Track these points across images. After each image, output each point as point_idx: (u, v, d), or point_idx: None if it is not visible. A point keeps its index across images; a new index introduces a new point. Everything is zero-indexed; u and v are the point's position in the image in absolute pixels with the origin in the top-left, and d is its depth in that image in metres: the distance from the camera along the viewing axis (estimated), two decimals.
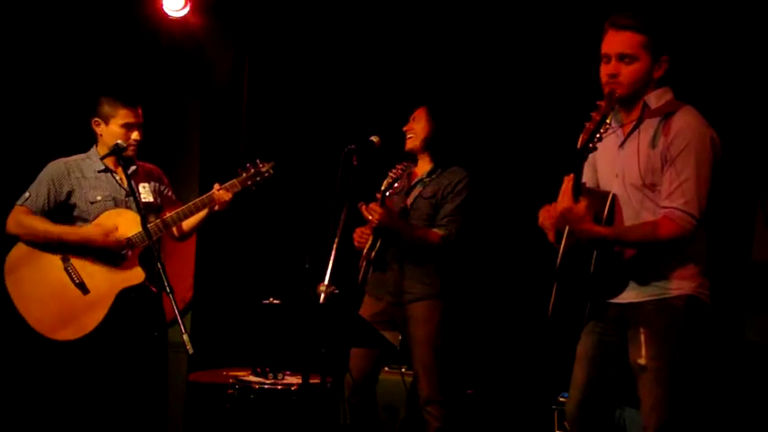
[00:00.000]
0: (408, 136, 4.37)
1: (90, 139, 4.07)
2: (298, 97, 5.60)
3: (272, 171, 4.12)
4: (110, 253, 3.86)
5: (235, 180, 4.05)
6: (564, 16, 4.88)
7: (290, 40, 5.55)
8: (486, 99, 5.23)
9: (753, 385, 4.30)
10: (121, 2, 5.28)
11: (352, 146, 3.96)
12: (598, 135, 2.79)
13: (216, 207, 4.01)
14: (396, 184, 4.24)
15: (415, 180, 4.38)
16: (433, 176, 4.34)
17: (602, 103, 2.85)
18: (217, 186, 4.00)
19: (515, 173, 5.11)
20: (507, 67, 5.14)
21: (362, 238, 4.31)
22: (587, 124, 2.81)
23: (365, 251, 4.26)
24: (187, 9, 5.24)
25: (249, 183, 4.08)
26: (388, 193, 4.20)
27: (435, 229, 4.26)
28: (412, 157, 4.44)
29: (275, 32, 5.58)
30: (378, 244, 4.22)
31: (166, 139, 5.22)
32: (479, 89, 5.23)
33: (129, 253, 3.87)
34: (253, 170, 4.09)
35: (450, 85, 5.20)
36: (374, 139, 4.17)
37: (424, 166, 4.38)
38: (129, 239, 3.86)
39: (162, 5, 5.22)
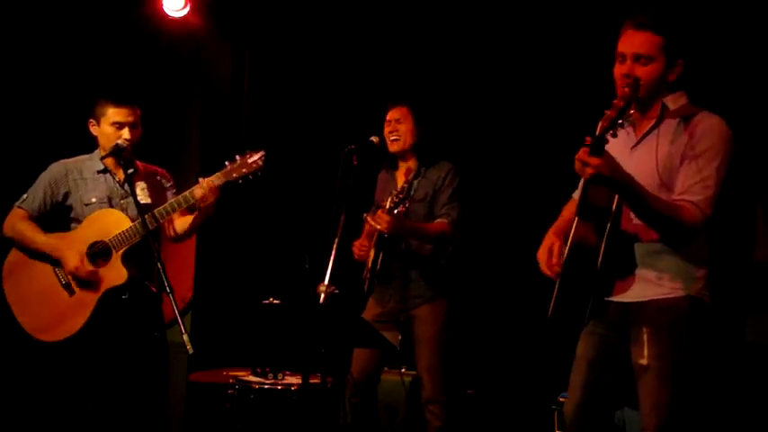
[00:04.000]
0: (394, 138, 4.30)
1: (90, 141, 4.07)
2: (298, 97, 5.61)
3: (261, 163, 3.79)
4: (93, 254, 3.85)
5: (219, 173, 3.82)
6: (550, 14, 4.89)
7: (290, 41, 5.56)
8: (482, 99, 5.23)
9: (753, 387, 4.29)
10: (121, 2, 5.28)
11: (353, 146, 3.96)
12: (620, 122, 2.75)
13: (200, 204, 3.83)
14: (406, 203, 4.15)
15: (406, 183, 4.33)
16: (420, 177, 4.32)
17: (626, 90, 2.81)
18: (201, 180, 3.83)
19: (518, 173, 5.11)
20: (499, 66, 5.15)
21: (362, 251, 4.30)
22: (607, 111, 2.76)
23: (369, 265, 4.24)
24: (187, 9, 5.25)
25: (235, 176, 3.80)
26: (396, 211, 4.10)
27: (439, 220, 4.26)
28: (391, 160, 4.42)
29: (275, 32, 5.59)
30: (380, 257, 4.21)
31: (166, 139, 5.22)
32: (471, 88, 5.24)
33: (113, 253, 3.85)
34: (238, 162, 3.82)
35: (444, 84, 5.22)
36: (374, 139, 4.17)
37: (409, 168, 4.36)
38: (109, 241, 3.84)
39: (162, 5, 5.22)
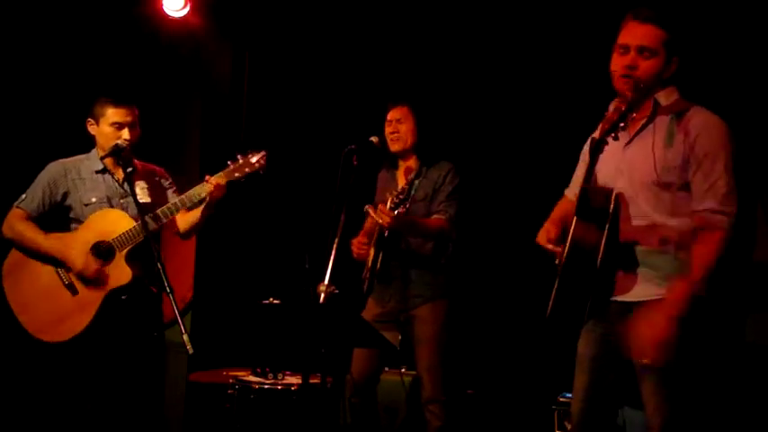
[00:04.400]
0: (395, 137, 4.31)
1: (90, 141, 4.07)
2: (298, 97, 5.61)
3: (263, 162, 3.85)
4: (97, 254, 3.85)
5: (221, 172, 3.85)
6: (549, 14, 4.89)
7: (290, 41, 5.56)
8: (481, 99, 5.23)
9: (753, 387, 4.29)
10: (121, 2, 5.28)
11: (353, 146, 3.96)
12: (622, 124, 2.74)
13: (208, 199, 3.85)
14: (407, 204, 4.16)
15: (407, 183, 4.33)
16: (420, 177, 4.32)
17: (630, 93, 2.80)
18: (208, 177, 3.86)
19: (518, 173, 5.11)
20: (499, 66, 5.15)
21: (361, 249, 4.30)
22: (608, 114, 2.76)
23: (368, 265, 4.23)
24: (187, 9, 5.25)
25: (237, 175, 3.85)
26: (396, 212, 4.08)
27: (436, 216, 4.26)
28: (391, 159, 4.43)
29: (275, 32, 5.59)
30: (380, 256, 4.21)
31: (166, 138, 5.22)
32: (470, 88, 5.24)
33: (117, 253, 3.85)
34: (241, 161, 3.86)
35: (444, 84, 5.22)
36: (374, 139, 4.17)
37: (409, 168, 4.37)
38: (113, 241, 3.84)
39: (162, 5, 5.23)
